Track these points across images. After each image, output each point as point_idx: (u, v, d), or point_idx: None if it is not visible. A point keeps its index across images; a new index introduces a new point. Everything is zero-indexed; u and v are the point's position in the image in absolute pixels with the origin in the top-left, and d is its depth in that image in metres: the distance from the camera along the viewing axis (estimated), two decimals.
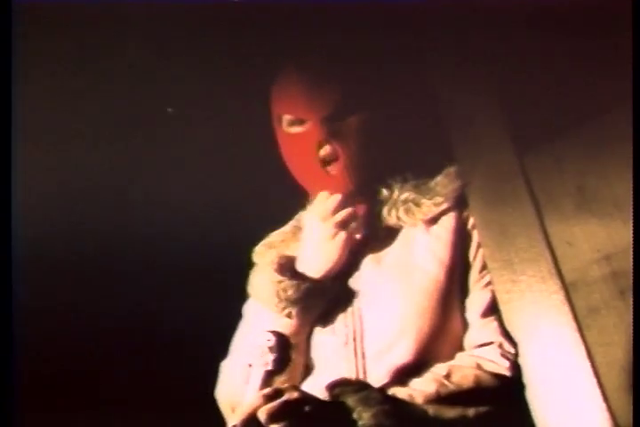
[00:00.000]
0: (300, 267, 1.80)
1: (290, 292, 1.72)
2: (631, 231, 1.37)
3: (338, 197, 1.79)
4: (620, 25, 1.47)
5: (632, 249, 1.36)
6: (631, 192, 1.39)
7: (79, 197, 2.24)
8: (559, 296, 1.45)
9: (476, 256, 1.68)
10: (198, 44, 2.13)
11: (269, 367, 1.44)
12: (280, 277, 1.75)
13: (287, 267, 1.80)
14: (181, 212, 2.21)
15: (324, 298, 1.74)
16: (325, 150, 1.78)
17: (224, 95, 2.20)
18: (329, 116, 1.78)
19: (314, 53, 1.90)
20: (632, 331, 1.34)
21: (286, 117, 1.84)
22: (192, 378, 1.88)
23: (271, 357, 1.44)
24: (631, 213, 1.38)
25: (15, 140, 1.70)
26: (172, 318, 2.18)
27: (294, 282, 1.74)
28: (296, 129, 1.82)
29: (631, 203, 1.38)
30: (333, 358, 1.70)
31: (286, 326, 1.71)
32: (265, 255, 1.89)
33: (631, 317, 1.35)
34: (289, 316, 1.72)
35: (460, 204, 1.74)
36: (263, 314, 1.77)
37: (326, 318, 1.76)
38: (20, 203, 1.77)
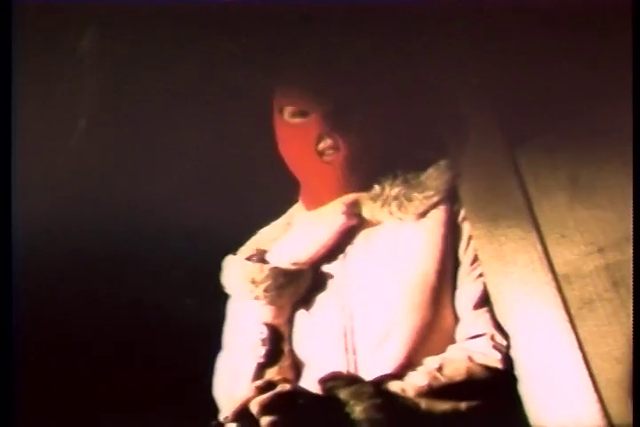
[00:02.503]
0: (269, 254, 1.85)
1: (254, 274, 1.76)
2: (631, 226, 1.37)
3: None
4: (620, 25, 1.46)
5: (632, 245, 1.36)
6: (631, 188, 1.38)
7: (78, 198, 2.25)
8: (551, 288, 1.45)
9: (467, 249, 1.69)
10: (199, 43, 2.13)
11: (261, 360, 1.44)
12: (246, 262, 1.80)
13: (257, 255, 1.84)
14: (180, 210, 2.22)
15: (294, 282, 1.77)
16: (325, 143, 1.79)
17: (220, 95, 2.21)
18: (333, 111, 1.79)
19: (320, 49, 1.89)
20: (632, 327, 1.33)
21: (288, 108, 1.85)
22: (193, 378, 1.88)
23: (263, 349, 1.45)
24: (631, 208, 1.38)
25: (15, 141, 1.70)
26: (172, 317, 2.19)
27: (258, 264, 1.78)
28: (297, 120, 1.83)
29: (631, 197, 1.37)
30: (324, 353, 1.70)
31: (260, 310, 1.75)
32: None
33: (631, 311, 1.34)
34: (257, 298, 1.75)
35: (450, 197, 1.75)
36: (239, 305, 1.82)
37: (315, 312, 1.77)
38: (20, 203, 1.78)
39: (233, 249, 1.89)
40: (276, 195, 2.00)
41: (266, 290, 1.74)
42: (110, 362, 2.23)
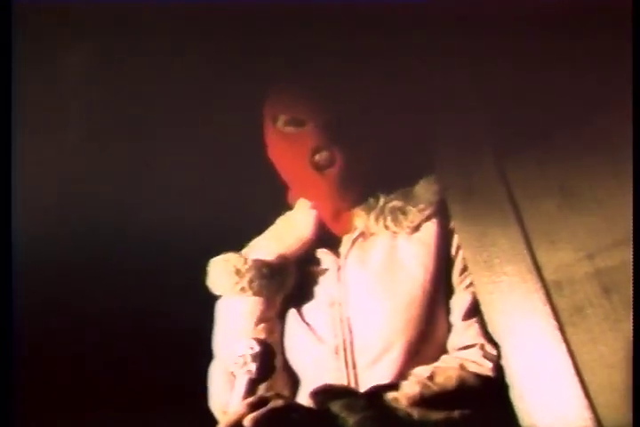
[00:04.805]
0: (252, 249, 1.88)
1: (238, 264, 1.79)
2: (628, 231, 1.36)
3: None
4: (620, 25, 1.45)
5: (632, 249, 1.35)
6: (631, 192, 1.37)
7: (78, 200, 2.27)
8: (540, 296, 1.45)
9: (456, 259, 1.69)
10: (197, 45, 2.13)
11: (253, 376, 1.44)
12: (229, 255, 1.83)
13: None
14: (179, 214, 2.23)
15: (278, 274, 1.80)
16: (321, 156, 1.75)
17: (213, 100, 2.21)
18: (330, 122, 1.74)
19: (319, 57, 1.85)
20: (632, 332, 1.34)
21: (283, 117, 1.80)
22: (191, 378, 1.89)
23: (254, 365, 1.45)
24: (626, 212, 1.37)
25: (15, 140, 1.71)
26: (171, 319, 2.20)
27: (242, 257, 1.81)
28: (292, 129, 1.79)
29: (631, 203, 1.36)
30: (322, 368, 1.71)
31: (247, 304, 1.79)
32: None
33: (631, 317, 1.34)
34: (243, 290, 1.77)
35: (441, 208, 1.74)
36: (227, 305, 1.84)
37: (313, 325, 1.77)
38: (20, 204, 1.79)
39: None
40: (269, 199, 2.01)
41: (251, 280, 1.77)
42: (109, 363, 2.25)
